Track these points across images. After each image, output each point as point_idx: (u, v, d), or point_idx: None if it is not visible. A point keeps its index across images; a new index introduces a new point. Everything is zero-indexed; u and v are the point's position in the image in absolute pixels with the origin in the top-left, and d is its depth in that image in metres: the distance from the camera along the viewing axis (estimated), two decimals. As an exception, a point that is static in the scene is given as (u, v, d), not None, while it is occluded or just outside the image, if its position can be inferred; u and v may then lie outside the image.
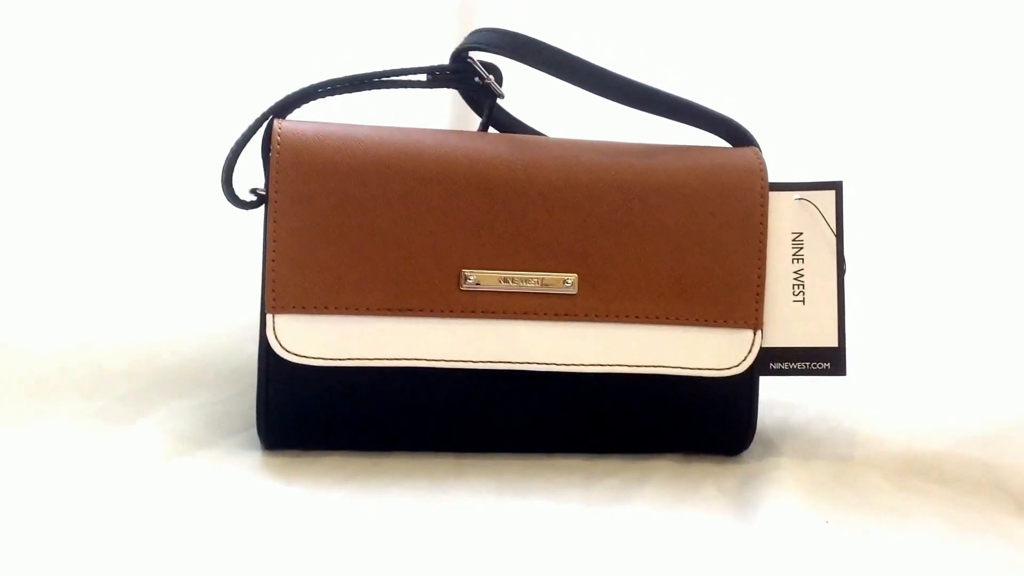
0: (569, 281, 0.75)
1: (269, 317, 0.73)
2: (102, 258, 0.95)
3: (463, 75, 0.82)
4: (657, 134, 0.83)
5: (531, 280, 0.75)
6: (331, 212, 0.73)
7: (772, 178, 0.78)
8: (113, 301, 0.92)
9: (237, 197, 0.76)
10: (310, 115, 0.78)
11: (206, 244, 0.94)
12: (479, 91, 0.83)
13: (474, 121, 0.85)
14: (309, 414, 0.75)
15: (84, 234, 0.95)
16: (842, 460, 0.79)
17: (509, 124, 0.86)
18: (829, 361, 0.77)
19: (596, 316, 0.75)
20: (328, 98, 0.79)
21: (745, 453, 0.80)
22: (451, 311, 0.74)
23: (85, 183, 0.96)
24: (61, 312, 0.92)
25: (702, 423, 0.78)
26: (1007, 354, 0.93)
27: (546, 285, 0.75)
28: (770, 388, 0.84)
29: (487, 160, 0.75)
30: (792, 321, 0.77)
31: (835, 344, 0.77)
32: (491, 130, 0.84)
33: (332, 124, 0.76)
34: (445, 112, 1.02)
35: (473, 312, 0.74)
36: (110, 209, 0.95)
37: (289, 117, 0.78)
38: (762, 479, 0.75)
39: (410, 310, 0.74)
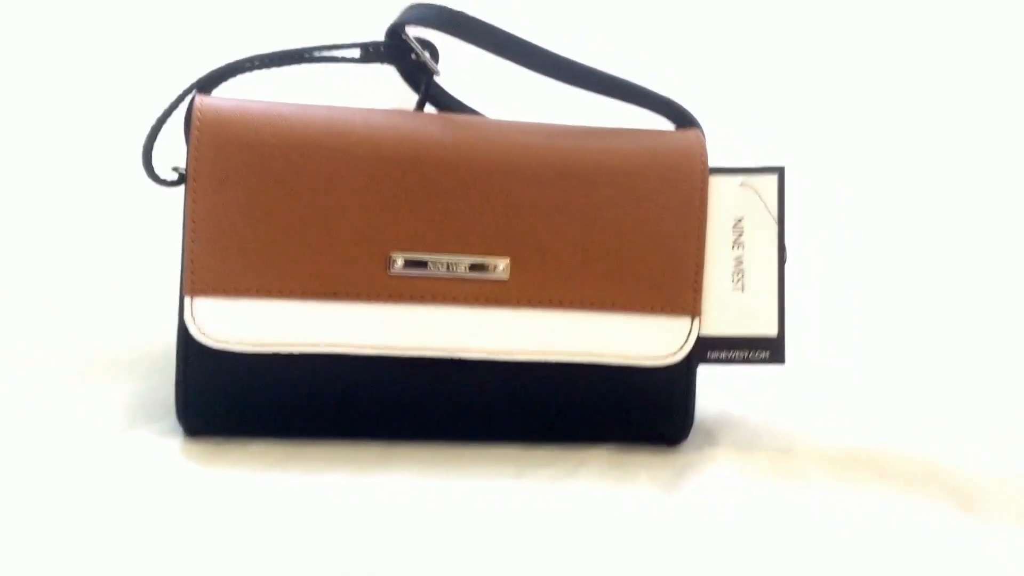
0: (501, 266, 0.72)
1: (187, 300, 0.70)
2: (24, 240, 0.91)
3: (398, 51, 0.80)
4: (604, 117, 0.80)
5: (461, 264, 0.72)
6: (253, 192, 0.71)
7: (716, 162, 0.76)
8: (33, 285, 0.89)
9: (157, 175, 0.74)
10: (242, 93, 0.76)
11: (130, 225, 0.91)
12: (415, 68, 0.80)
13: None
14: (229, 400, 0.72)
15: (4, 215, 0.92)
16: (782, 451, 0.77)
17: (447, 103, 0.83)
18: (768, 350, 0.74)
19: (529, 302, 0.73)
20: (266, 78, 0.77)
21: (684, 443, 0.77)
22: (378, 296, 0.71)
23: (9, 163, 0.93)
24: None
25: (639, 413, 0.75)
26: (955, 346, 0.91)
27: (477, 270, 0.72)
28: (712, 377, 0.82)
29: (417, 140, 0.73)
30: (731, 309, 0.74)
31: (775, 333, 0.74)
32: (429, 109, 0.82)
33: (256, 101, 0.73)
34: (388, 91, 0.99)
35: (401, 297, 0.72)
36: (31, 189, 0.92)
37: (216, 93, 0.75)
38: (698, 469, 0.73)
39: (335, 295, 0.71)
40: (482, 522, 0.65)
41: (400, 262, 0.72)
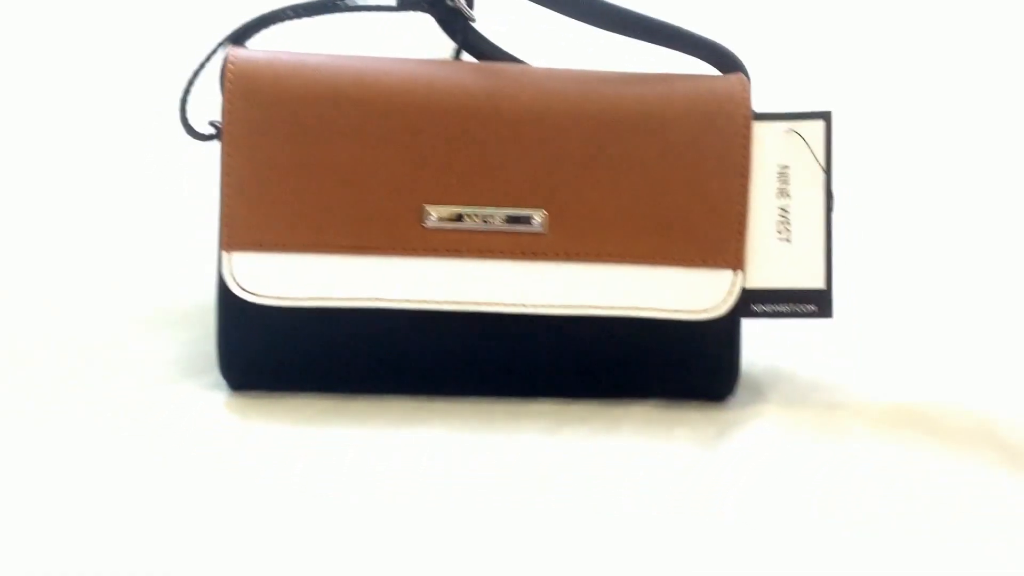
0: (537, 219, 0.71)
1: (224, 255, 0.71)
2: (70, 195, 0.93)
3: (436, -2, 0.78)
4: (648, 62, 0.78)
5: (496, 217, 0.71)
6: (286, 145, 0.70)
7: (764, 108, 0.73)
8: (82, 239, 0.91)
9: (194, 129, 0.73)
10: (280, 45, 0.75)
11: (176, 178, 0.91)
12: (452, 15, 0.78)
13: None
14: (269, 355, 0.73)
15: (52, 172, 0.93)
16: (832, 407, 0.75)
17: (487, 51, 0.80)
18: (815, 303, 0.72)
19: (566, 255, 0.71)
20: (306, 29, 0.76)
21: (731, 399, 0.76)
22: (412, 250, 0.71)
23: (48, 118, 0.94)
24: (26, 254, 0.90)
25: (681, 368, 0.74)
26: (1010, 301, 0.87)
27: (514, 223, 0.71)
28: (762, 330, 0.80)
29: (450, 90, 0.71)
30: (776, 260, 0.72)
31: (822, 286, 0.72)
32: (467, 57, 0.80)
33: (288, 52, 0.72)
34: (427, 40, 0.98)
35: (435, 251, 0.71)
36: (75, 146, 0.93)
37: (252, 45, 0.75)
38: (741, 427, 0.71)
39: (369, 248, 0.70)
40: (512, 479, 0.64)
41: (434, 215, 0.70)
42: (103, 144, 0.95)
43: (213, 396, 0.74)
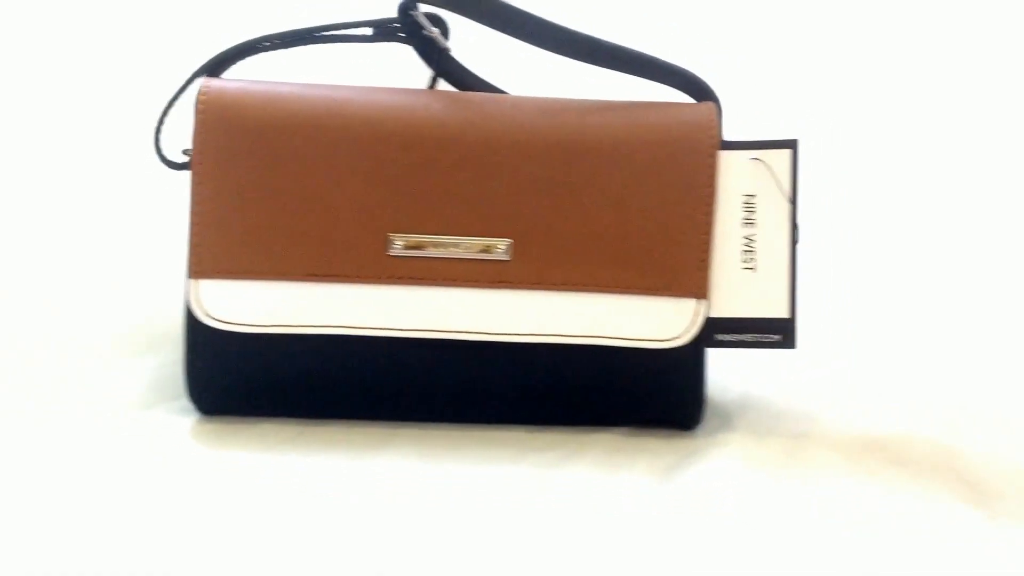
0: (502, 247, 0.71)
1: (192, 283, 0.71)
2: (43, 223, 0.94)
3: (411, 29, 0.79)
4: (628, 91, 0.78)
5: (462, 245, 0.71)
6: (254, 174, 0.71)
7: (736, 135, 0.73)
8: (56, 265, 0.92)
9: (166, 158, 0.75)
10: (265, 74, 0.76)
11: (153, 205, 0.92)
12: (428, 44, 0.79)
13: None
14: (237, 380, 0.73)
15: (22, 199, 0.95)
16: (798, 438, 0.74)
17: (464, 79, 0.81)
18: (780, 333, 0.71)
19: (531, 284, 0.71)
20: (293, 59, 0.77)
21: (699, 428, 0.75)
22: (377, 277, 0.71)
23: (26, 145, 0.96)
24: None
25: (646, 396, 0.73)
26: (977, 333, 0.86)
27: (478, 250, 0.71)
28: (736, 358, 0.79)
29: (418, 118, 0.72)
30: (741, 290, 0.72)
31: (787, 315, 0.71)
32: (445, 86, 0.81)
33: (260, 82, 0.74)
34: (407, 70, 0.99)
35: (400, 279, 0.71)
36: (47, 174, 0.95)
37: (233, 74, 0.76)
38: (702, 456, 0.70)
39: (336, 276, 0.71)
40: (471, 506, 0.64)
41: (399, 243, 0.71)
42: (78, 170, 0.97)
43: (181, 421, 0.74)
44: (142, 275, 0.91)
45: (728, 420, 0.77)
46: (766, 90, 0.95)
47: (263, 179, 0.71)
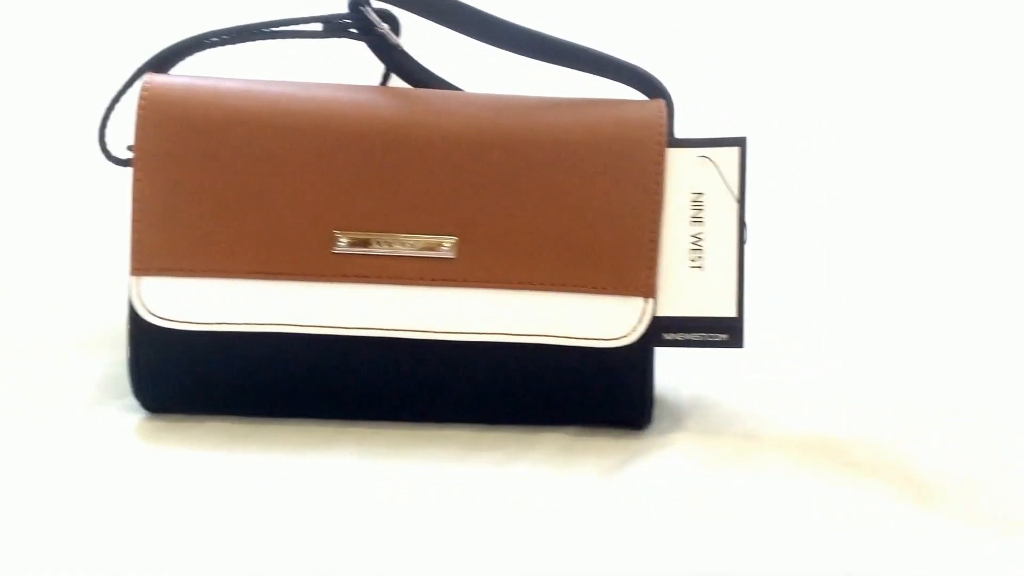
0: (447, 244, 0.71)
1: (134, 280, 0.71)
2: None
3: (362, 25, 0.78)
4: (587, 88, 0.77)
5: (407, 242, 0.71)
6: (197, 170, 0.71)
7: (690, 134, 0.72)
8: (6, 260, 0.91)
9: (111, 154, 0.74)
10: (219, 70, 0.75)
11: (105, 203, 0.92)
12: (380, 40, 0.78)
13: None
14: (181, 379, 0.73)
15: None
16: (748, 437, 0.73)
17: (418, 75, 0.80)
18: (727, 332, 0.70)
19: (476, 282, 0.71)
20: (251, 54, 0.76)
21: (650, 427, 0.74)
22: (321, 275, 0.70)
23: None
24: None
25: (593, 396, 0.73)
26: (929, 333, 0.86)
27: (423, 248, 0.71)
28: (690, 357, 0.79)
29: (363, 115, 0.71)
30: (689, 289, 0.71)
31: (734, 314, 0.70)
32: (398, 82, 0.80)
33: (204, 78, 0.73)
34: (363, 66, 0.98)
35: (344, 276, 0.70)
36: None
37: (177, 71, 0.75)
38: (648, 456, 0.70)
39: (280, 274, 0.70)
40: (411, 505, 0.64)
41: (344, 241, 0.70)
42: (28, 167, 0.96)
43: (129, 419, 0.74)
44: (101, 271, 0.90)
45: (680, 420, 0.76)
46: (723, 88, 0.94)
47: (206, 175, 0.70)
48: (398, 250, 0.70)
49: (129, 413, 0.74)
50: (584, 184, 0.71)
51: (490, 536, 0.61)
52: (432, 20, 0.76)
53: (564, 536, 0.61)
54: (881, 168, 0.96)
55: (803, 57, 0.99)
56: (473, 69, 0.83)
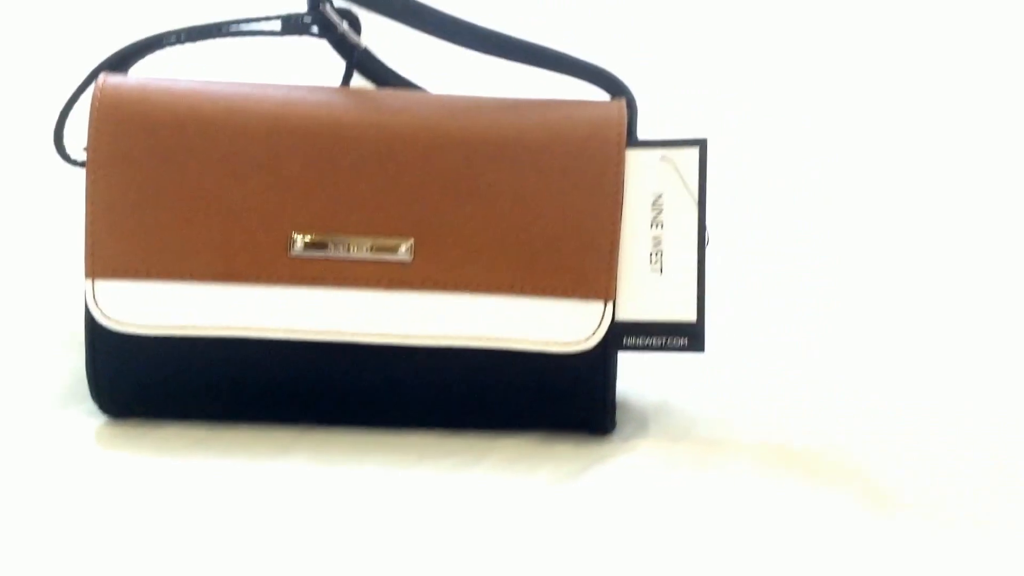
0: (403, 247, 0.70)
1: (88, 283, 0.70)
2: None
3: (322, 24, 0.77)
4: (554, 88, 0.76)
5: (363, 246, 0.70)
6: (152, 171, 0.70)
7: (655, 135, 0.71)
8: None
9: (68, 155, 0.73)
10: (184, 70, 0.75)
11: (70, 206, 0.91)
12: (341, 40, 0.77)
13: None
14: (138, 383, 0.72)
15: None
16: (710, 444, 0.72)
17: (381, 75, 0.79)
18: (687, 336, 0.69)
19: (433, 285, 0.70)
20: (217, 54, 0.75)
21: (614, 433, 0.73)
22: (278, 278, 0.70)
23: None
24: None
25: (555, 400, 0.71)
26: (896, 340, 0.85)
27: (379, 251, 0.70)
28: (654, 364, 0.78)
29: (319, 116, 0.71)
30: (649, 292, 0.70)
31: (694, 319, 0.69)
32: (363, 83, 0.79)
33: (159, 79, 0.72)
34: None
35: (301, 280, 0.70)
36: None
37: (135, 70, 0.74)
38: (607, 463, 0.69)
39: (235, 277, 0.70)
40: (361, 511, 0.63)
41: (300, 243, 0.70)
42: None
43: (90, 423, 0.73)
44: (67, 273, 0.90)
45: (644, 425, 0.75)
46: (691, 88, 0.93)
47: (161, 177, 0.70)
48: (355, 253, 0.69)
49: (90, 417, 0.74)
50: (543, 185, 0.69)
51: (437, 542, 0.60)
52: (394, 20, 0.75)
53: (513, 543, 0.60)
54: (846, 170, 0.96)
55: (770, 57, 0.98)
56: (441, 69, 0.82)
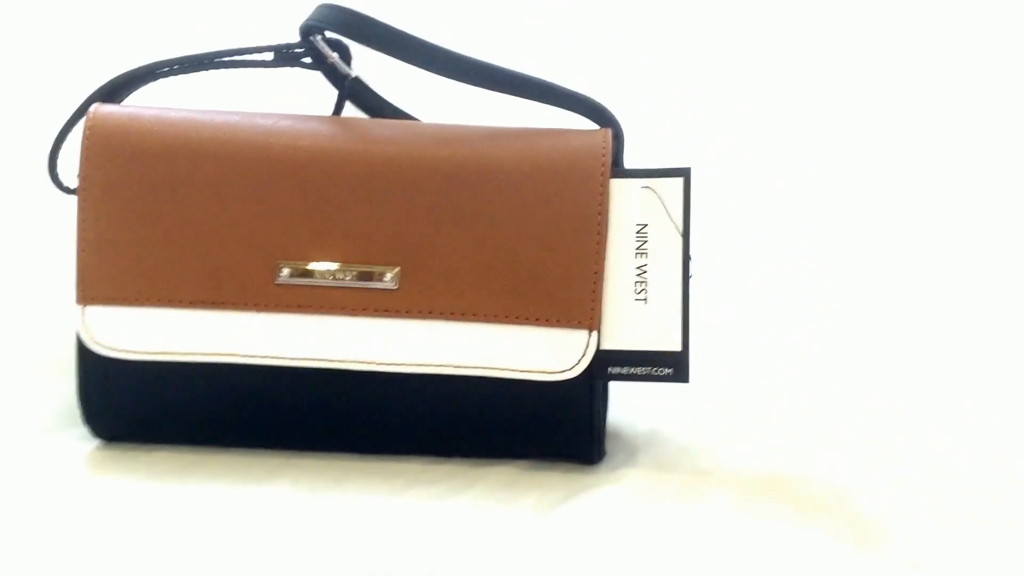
0: (389, 275, 0.70)
1: (79, 308, 0.71)
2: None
3: (313, 54, 0.78)
4: (546, 118, 0.77)
5: (348, 274, 0.70)
6: (140, 200, 0.71)
7: (645, 164, 0.71)
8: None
9: (61, 183, 0.75)
10: (178, 100, 0.76)
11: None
12: (332, 71, 0.78)
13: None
14: (128, 408, 0.73)
15: None
16: (698, 474, 0.72)
17: (373, 104, 0.80)
18: (671, 366, 0.69)
19: (419, 313, 0.70)
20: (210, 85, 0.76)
21: (604, 462, 0.73)
22: (265, 305, 0.70)
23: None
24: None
25: (540, 429, 0.71)
26: (884, 368, 0.84)
27: (364, 279, 0.70)
28: (645, 391, 0.77)
29: (306, 145, 0.71)
30: (633, 321, 0.69)
31: (678, 348, 0.69)
32: (356, 113, 0.80)
33: (149, 108, 0.73)
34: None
35: (287, 307, 0.70)
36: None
37: (131, 100, 0.75)
38: (592, 492, 0.68)
39: (222, 304, 0.70)
40: (345, 536, 0.63)
41: (286, 271, 0.70)
42: None
43: (81, 447, 0.74)
44: (64, 298, 0.91)
45: (633, 455, 0.75)
46: (677, 118, 0.93)
47: (149, 205, 0.70)
48: (340, 281, 0.70)
49: (82, 441, 0.75)
50: (527, 214, 0.70)
51: (418, 570, 0.60)
52: (383, 52, 0.76)
53: (498, 572, 0.60)
54: (830, 198, 0.95)
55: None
56: (435, 98, 0.83)
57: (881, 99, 1.01)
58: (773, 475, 0.72)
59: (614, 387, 0.76)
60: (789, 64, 1.00)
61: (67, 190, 0.74)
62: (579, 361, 0.69)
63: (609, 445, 0.75)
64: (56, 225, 0.82)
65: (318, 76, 0.80)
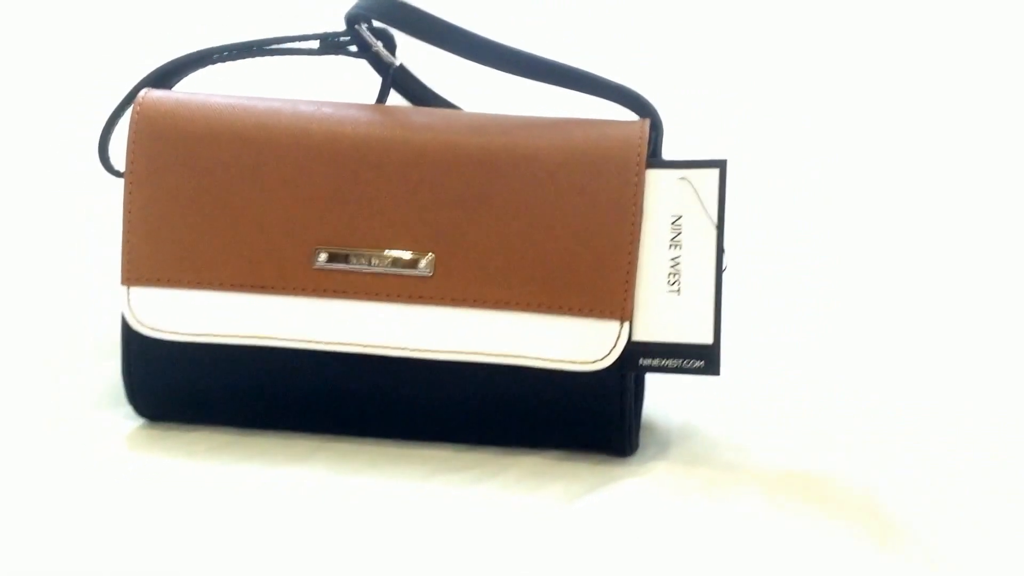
0: (423, 262, 0.70)
1: (124, 289, 0.73)
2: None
3: (358, 43, 0.79)
4: (586, 108, 0.76)
5: (384, 260, 0.71)
6: (185, 184, 0.72)
7: (683, 155, 0.71)
8: (16, 266, 0.95)
9: (111, 166, 0.76)
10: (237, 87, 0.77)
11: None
12: (376, 59, 0.79)
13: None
14: (171, 388, 0.74)
15: None
16: (728, 468, 0.71)
17: (416, 93, 0.81)
18: (703, 359, 0.68)
19: (451, 300, 0.70)
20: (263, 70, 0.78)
21: (636, 454, 0.73)
22: (302, 290, 0.71)
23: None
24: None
25: (570, 419, 0.71)
26: (913, 366, 0.82)
27: (400, 265, 0.71)
28: (681, 383, 0.77)
29: (346, 132, 0.72)
30: (666, 313, 0.69)
31: (710, 341, 0.68)
32: (400, 100, 0.81)
33: (199, 94, 0.74)
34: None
35: (324, 292, 0.71)
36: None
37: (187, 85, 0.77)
38: (618, 484, 0.68)
39: (261, 287, 0.71)
40: (375, 519, 0.64)
41: (323, 256, 0.71)
42: (36, 176, 0.99)
43: (124, 425, 0.76)
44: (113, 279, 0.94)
45: (665, 448, 0.74)
46: (717, 109, 0.92)
47: (194, 188, 0.72)
48: (376, 266, 0.71)
49: (127, 420, 0.76)
50: (563, 204, 0.70)
51: (440, 555, 0.61)
52: (425, 41, 0.76)
53: (515, 559, 0.60)
54: (830, 198, 0.94)
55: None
56: (478, 88, 0.83)
57: (881, 99, 1.00)
58: (800, 471, 0.71)
59: (650, 380, 0.75)
60: (789, 64, 0.99)
61: (116, 173, 0.76)
62: (610, 352, 0.69)
63: (643, 437, 0.75)
64: (103, 207, 0.85)
65: (363, 64, 0.81)
